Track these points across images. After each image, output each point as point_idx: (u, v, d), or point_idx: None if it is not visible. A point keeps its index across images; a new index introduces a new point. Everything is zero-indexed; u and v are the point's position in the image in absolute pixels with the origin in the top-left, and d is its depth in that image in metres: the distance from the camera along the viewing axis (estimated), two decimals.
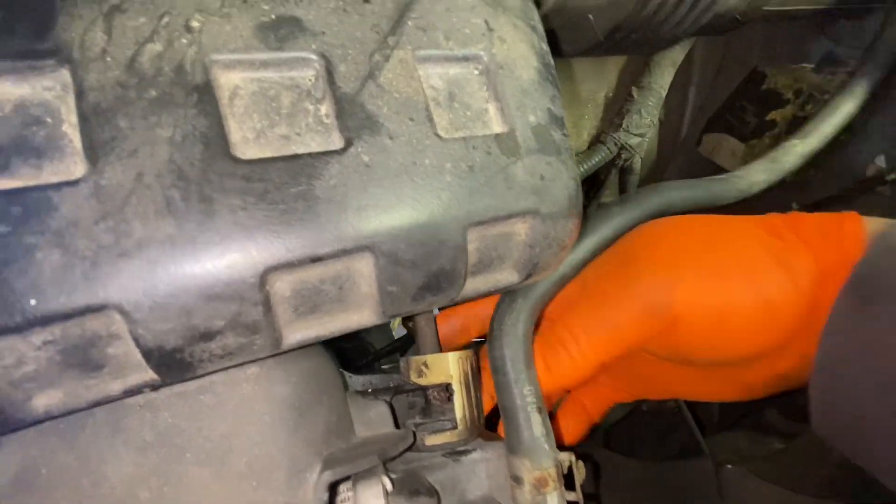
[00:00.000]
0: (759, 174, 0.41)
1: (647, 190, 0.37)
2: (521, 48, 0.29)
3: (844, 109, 0.45)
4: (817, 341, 0.30)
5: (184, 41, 0.21)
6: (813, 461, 0.45)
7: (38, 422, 0.21)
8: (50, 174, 0.18)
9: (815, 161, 0.62)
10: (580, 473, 0.32)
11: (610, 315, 0.32)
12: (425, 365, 0.37)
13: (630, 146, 0.65)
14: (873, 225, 0.31)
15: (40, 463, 0.27)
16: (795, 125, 0.63)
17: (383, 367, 0.71)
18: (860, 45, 0.62)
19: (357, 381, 0.43)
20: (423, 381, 0.37)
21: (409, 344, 0.74)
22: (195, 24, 0.21)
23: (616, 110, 0.66)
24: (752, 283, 0.30)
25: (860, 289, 0.29)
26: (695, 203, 0.38)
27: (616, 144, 0.65)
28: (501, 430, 0.34)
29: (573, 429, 0.41)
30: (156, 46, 0.20)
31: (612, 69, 0.67)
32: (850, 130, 0.60)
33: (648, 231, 0.34)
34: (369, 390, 0.43)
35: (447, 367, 0.36)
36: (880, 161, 0.61)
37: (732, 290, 0.30)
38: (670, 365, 0.36)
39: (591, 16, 0.44)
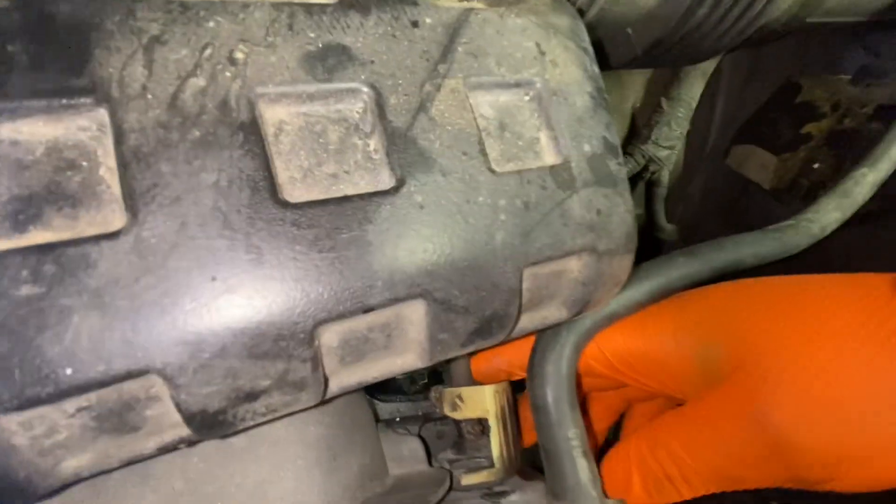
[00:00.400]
0: (831, 213, 0.38)
1: (715, 244, 0.34)
2: (573, 72, 0.27)
3: None
4: None
5: (227, 74, 0.19)
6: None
7: (66, 487, 0.19)
8: (87, 225, 0.17)
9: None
10: None
11: (733, 471, 0.27)
12: (460, 398, 0.35)
13: (658, 158, 0.64)
14: None
15: None
16: (832, 139, 0.61)
17: (397, 377, 0.69)
18: None
19: (385, 409, 0.42)
20: (457, 415, 0.36)
21: None
22: (239, 55, 0.20)
23: (644, 121, 0.64)
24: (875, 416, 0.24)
25: None
26: (764, 258, 0.35)
27: (644, 157, 0.63)
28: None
29: None
30: (199, 81, 0.19)
31: (638, 79, 0.65)
32: None
33: (744, 328, 0.28)
34: (397, 419, 0.41)
35: (484, 402, 0.35)
36: None
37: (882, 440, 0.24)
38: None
39: (629, 30, 0.42)
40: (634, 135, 0.66)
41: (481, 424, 0.39)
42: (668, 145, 0.62)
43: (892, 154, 0.40)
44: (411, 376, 0.67)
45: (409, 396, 0.44)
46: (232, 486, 0.27)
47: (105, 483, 0.26)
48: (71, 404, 0.17)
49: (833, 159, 0.58)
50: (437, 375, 0.59)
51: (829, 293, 0.28)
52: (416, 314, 0.22)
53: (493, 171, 0.23)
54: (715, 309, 0.31)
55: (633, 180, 0.67)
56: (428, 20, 0.24)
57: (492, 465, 0.34)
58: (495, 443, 0.34)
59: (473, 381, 0.38)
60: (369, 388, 0.44)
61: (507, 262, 0.23)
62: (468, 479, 0.34)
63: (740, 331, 0.29)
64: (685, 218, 0.75)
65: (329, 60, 0.21)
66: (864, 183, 0.39)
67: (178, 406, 0.18)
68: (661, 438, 0.30)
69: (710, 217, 0.77)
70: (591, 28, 0.41)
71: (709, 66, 0.61)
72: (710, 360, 0.29)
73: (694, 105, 0.62)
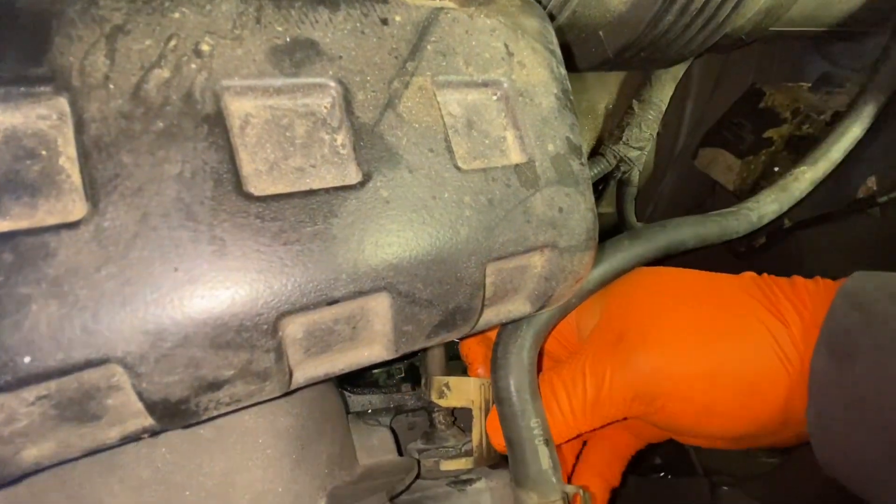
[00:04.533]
0: (770, 205, 0.41)
1: (658, 227, 0.37)
2: (540, 74, 0.28)
3: (851, 134, 0.46)
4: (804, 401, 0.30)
5: (193, 66, 0.19)
6: (805, 479, 0.45)
7: (27, 475, 0.19)
8: (46, 214, 0.17)
9: None
10: None
11: (600, 395, 0.32)
12: (447, 386, 0.36)
13: (629, 159, 0.65)
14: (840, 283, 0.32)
15: (30, 503, 0.25)
16: (792, 144, 0.64)
17: (373, 371, 0.70)
18: (857, 67, 0.63)
19: (357, 401, 0.42)
20: (443, 402, 0.36)
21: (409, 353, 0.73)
22: (205, 47, 0.20)
23: (616, 122, 0.66)
24: (745, 368, 0.30)
25: (832, 347, 0.29)
26: (704, 240, 0.37)
27: (615, 157, 0.65)
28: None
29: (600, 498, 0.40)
30: (163, 72, 0.19)
31: (613, 80, 0.67)
32: None
33: (639, 295, 0.34)
34: (369, 411, 0.42)
35: (469, 392, 0.36)
36: (871, 182, 0.62)
37: (719, 383, 0.30)
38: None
39: (601, 33, 0.43)
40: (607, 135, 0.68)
41: (453, 415, 0.40)
42: (639, 146, 0.64)
43: (832, 155, 0.43)
44: (388, 371, 0.68)
45: (381, 389, 0.45)
46: (200, 475, 0.27)
47: (71, 473, 0.26)
48: (30, 393, 0.17)
49: (792, 163, 0.61)
50: (413, 371, 0.60)
51: (724, 285, 0.34)
52: (380, 307, 0.23)
53: (458, 168, 0.24)
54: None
55: (605, 180, 0.68)
56: (398, 18, 0.25)
57: (463, 454, 0.35)
58: (476, 432, 0.35)
59: (448, 371, 0.39)
60: (342, 381, 0.45)
61: (471, 256, 0.24)
62: (447, 466, 0.35)
63: (608, 298, 0.35)
64: (655, 217, 0.78)
65: (297, 55, 0.21)
66: (802, 179, 0.43)
67: (139, 395, 0.18)
68: (545, 376, 0.34)
69: (678, 216, 0.80)
70: (564, 30, 0.42)
71: (679, 70, 0.62)
72: (586, 326, 0.35)
73: (664, 108, 0.64)
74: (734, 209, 0.40)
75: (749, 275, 0.35)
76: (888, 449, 0.27)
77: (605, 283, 0.34)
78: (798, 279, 0.33)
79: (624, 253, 0.34)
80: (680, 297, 0.34)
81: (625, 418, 0.34)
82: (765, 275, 0.35)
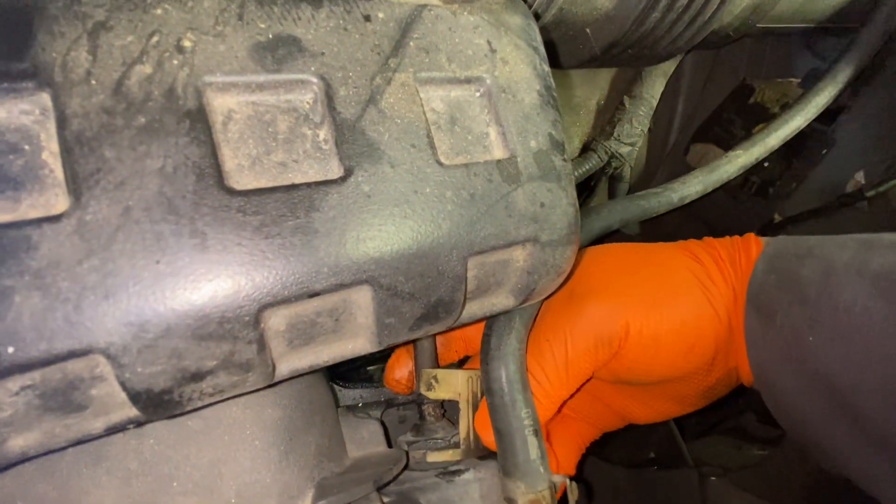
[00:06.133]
0: (693, 186, 0.44)
1: (592, 211, 0.40)
2: (523, 70, 0.28)
3: (793, 124, 0.47)
4: (736, 354, 0.34)
5: (175, 62, 0.20)
6: (792, 470, 0.46)
7: (13, 465, 0.20)
8: (28, 208, 0.17)
9: (797, 175, 0.64)
10: (573, 495, 0.32)
11: (567, 353, 0.33)
12: (435, 379, 0.37)
13: (620, 155, 0.66)
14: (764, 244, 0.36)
15: (16, 494, 0.25)
16: None
17: (368, 368, 0.70)
18: None
19: (347, 394, 0.43)
20: (431, 395, 0.37)
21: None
22: (187, 43, 0.20)
23: (607, 118, 0.66)
24: (682, 313, 0.34)
25: (757, 306, 0.33)
26: (629, 220, 0.40)
27: (607, 153, 0.65)
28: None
29: None
30: (145, 68, 0.19)
31: (604, 77, 0.67)
32: (831, 145, 0.61)
33: (585, 263, 0.37)
34: (360, 405, 0.42)
35: (456, 385, 0.36)
36: (860, 177, 0.63)
37: (666, 319, 0.33)
38: (618, 389, 0.39)
39: (588, 30, 0.44)
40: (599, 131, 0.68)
41: (443, 408, 0.40)
42: (630, 142, 0.65)
43: (769, 142, 0.45)
44: (382, 367, 0.68)
45: (373, 383, 0.45)
46: (187, 466, 0.27)
47: (58, 465, 0.26)
48: (14, 383, 0.17)
49: (781, 158, 0.62)
50: None
51: (660, 250, 0.37)
52: (363, 299, 0.23)
53: (441, 164, 0.24)
54: None
55: (597, 175, 0.69)
56: (380, 15, 0.25)
57: (451, 446, 0.36)
58: (463, 424, 0.36)
59: (437, 364, 0.39)
60: (332, 375, 0.45)
61: (453, 250, 0.24)
62: (433, 457, 0.35)
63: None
64: None
65: (279, 51, 0.22)
66: (735, 163, 0.44)
67: (123, 385, 0.18)
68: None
69: (670, 212, 0.81)
70: (551, 28, 0.42)
71: (669, 66, 0.63)
72: None
73: (655, 104, 0.64)
74: (660, 189, 0.43)
75: (689, 240, 0.38)
76: (806, 390, 0.30)
77: None
78: (734, 240, 0.37)
79: None
80: (619, 254, 0.37)
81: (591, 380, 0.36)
82: (705, 238, 0.38)
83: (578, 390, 0.36)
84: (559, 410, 0.36)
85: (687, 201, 0.45)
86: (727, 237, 0.38)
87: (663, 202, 0.43)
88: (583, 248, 0.38)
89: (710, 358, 0.35)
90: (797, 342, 0.31)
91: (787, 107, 0.65)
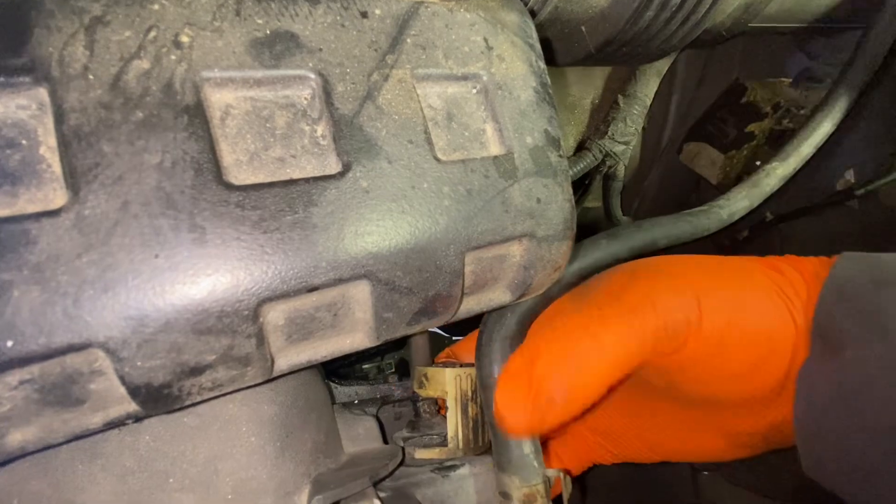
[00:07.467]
0: (740, 201, 0.42)
1: (635, 226, 0.37)
2: (519, 67, 0.29)
3: (822, 130, 0.47)
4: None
5: (172, 57, 0.20)
6: (786, 467, 0.47)
7: (12, 460, 0.20)
8: (27, 203, 0.17)
9: None
10: (567, 489, 0.33)
11: (632, 326, 0.29)
12: (426, 377, 0.37)
13: (614, 153, 0.66)
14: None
15: (11, 492, 0.25)
16: (773, 138, 0.65)
17: (364, 366, 0.70)
18: (836, 62, 0.64)
19: (343, 392, 0.43)
20: (422, 392, 0.37)
21: (395, 345, 0.74)
22: (185, 38, 0.20)
23: (602, 117, 0.67)
24: (759, 314, 0.29)
25: (821, 334, 0.29)
26: (677, 238, 0.38)
27: (601, 151, 0.66)
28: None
29: None
30: (142, 63, 0.19)
31: (598, 75, 0.67)
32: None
33: (654, 260, 0.33)
34: (356, 402, 0.43)
35: (444, 383, 0.36)
36: (850, 175, 0.63)
37: (740, 316, 0.29)
38: (658, 409, 0.35)
39: (583, 28, 0.44)
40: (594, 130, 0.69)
41: (437, 404, 0.40)
42: (624, 141, 0.65)
43: (802, 151, 0.45)
44: (378, 366, 0.68)
45: (368, 381, 0.45)
46: (183, 462, 0.27)
47: (54, 461, 0.26)
48: (13, 377, 0.17)
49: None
50: (404, 364, 0.61)
51: (733, 257, 0.33)
52: (361, 294, 0.23)
53: (438, 160, 0.25)
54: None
55: (591, 174, 0.69)
56: (377, 11, 0.25)
57: (444, 444, 0.36)
58: (451, 423, 0.36)
59: (431, 362, 0.40)
60: (328, 373, 0.45)
61: (450, 245, 0.24)
62: (421, 454, 0.36)
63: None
64: (641, 211, 0.79)
65: (277, 47, 0.22)
66: (774, 175, 0.44)
67: (122, 380, 0.18)
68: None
69: (664, 210, 0.81)
70: (546, 26, 0.42)
71: (663, 65, 0.63)
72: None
73: (649, 102, 0.65)
74: (705, 208, 0.42)
75: (770, 256, 0.34)
76: (876, 447, 0.25)
77: (583, 277, 0.35)
78: (799, 259, 0.32)
79: (602, 250, 0.35)
80: (691, 256, 0.33)
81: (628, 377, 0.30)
82: (787, 255, 0.33)
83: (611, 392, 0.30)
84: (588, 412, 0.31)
85: (736, 218, 0.42)
86: (810, 257, 0.33)
87: (713, 219, 0.41)
88: (623, 261, 0.35)
89: (782, 379, 0.30)
90: (870, 384, 0.26)
91: (780, 107, 0.65)
